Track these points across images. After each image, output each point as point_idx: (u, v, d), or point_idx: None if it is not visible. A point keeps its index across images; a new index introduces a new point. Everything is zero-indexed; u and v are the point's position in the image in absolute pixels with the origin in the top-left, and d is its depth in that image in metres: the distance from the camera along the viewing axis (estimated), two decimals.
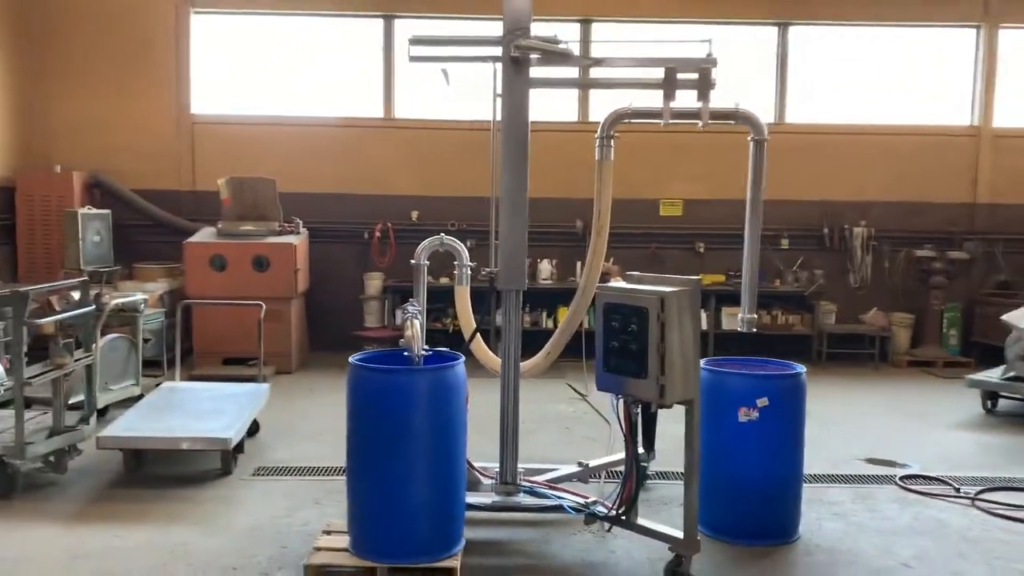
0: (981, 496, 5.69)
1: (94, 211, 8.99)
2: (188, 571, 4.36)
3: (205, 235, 9.50)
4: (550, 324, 10.02)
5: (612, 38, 10.53)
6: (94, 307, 6.09)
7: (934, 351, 10.44)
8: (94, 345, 6.08)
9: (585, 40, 10.60)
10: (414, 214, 10.57)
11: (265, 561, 4.50)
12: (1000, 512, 5.42)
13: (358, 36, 10.76)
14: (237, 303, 7.89)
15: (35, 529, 4.86)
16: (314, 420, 7.43)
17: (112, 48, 10.44)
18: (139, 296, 7.66)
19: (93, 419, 5.97)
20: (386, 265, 10.46)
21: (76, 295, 6.33)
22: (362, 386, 4.27)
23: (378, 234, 10.42)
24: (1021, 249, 10.78)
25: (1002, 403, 8.17)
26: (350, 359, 4.37)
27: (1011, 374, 7.89)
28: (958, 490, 5.81)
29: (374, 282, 10.45)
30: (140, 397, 7.37)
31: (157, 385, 7.64)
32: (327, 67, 10.74)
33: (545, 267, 10.20)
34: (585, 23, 10.66)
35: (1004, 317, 8.18)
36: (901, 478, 6.05)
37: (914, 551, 4.81)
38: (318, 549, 4.39)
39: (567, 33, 10.27)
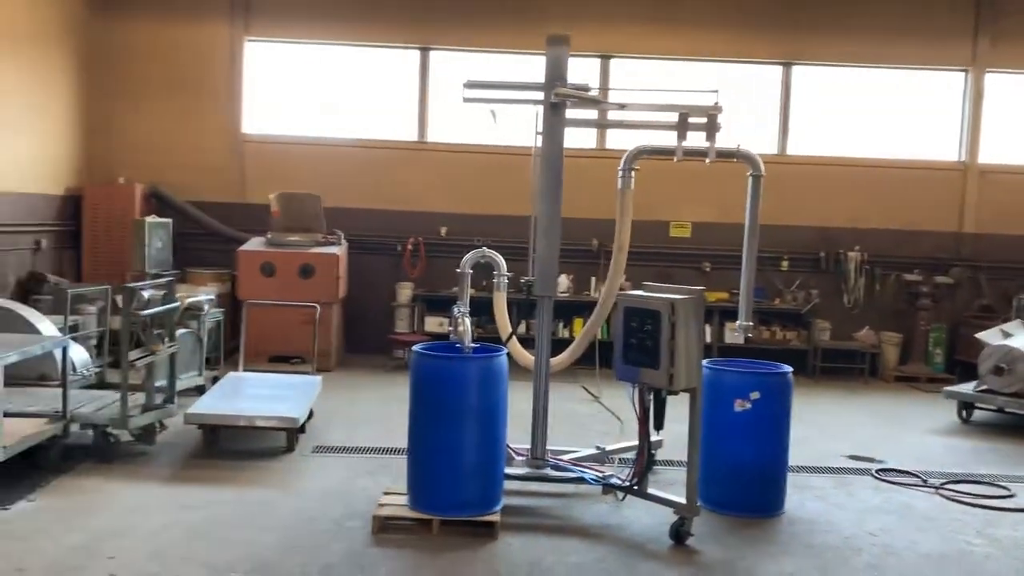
0: (945, 486, 6.56)
1: (158, 220, 9.93)
2: (276, 520, 5.27)
3: (255, 244, 10.45)
4: (566, 334, 10.91)
5: (630, 73, 11.52)
6: (177, 304, 7.02)
7: (920, 368, 11.29)
8: (176, 336, 7.00)
9: (604, 73, 11.59)
10: (443, 230, 11.52)
11: (337, 515, 5.40)
12: (959, 499, 6.29)
13: (397, 65, 11.74)
14: (293, 304, 8.81)
15: (142, 487, 5.79)
16: (359, 410, 8.35)
17: (171, 72, 11.45)
18: (204, 296, 8.58)
19: (176, 400, 6.88)
20: (416, 276, 11.38)
21: (147, 294, 7.26)
22: (424, 370, 5.20)
23: (410, 247, 11.36)
24: (1003, 276, 11.65)
25: (977, 414, 9.01)
26: (413, 348, 5.30)
27: (983, 387, 8.75)
28: (925, 481, 6.68)
29: (405, 291, 11.37)
30: (202, 387, 8.30)
31: (215, 377, 8.59)
32: (368, 93, 11.74)
33: (563, 281, 11.06)
34: (605, 58, 11.62)
35: (978, 335, 9.07)
36: (877, 471, 6.92)
37: (881, 525, 5.69)
38: (382, 505, 5.29)
39: (588, 67, 11.32)
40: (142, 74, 11.46)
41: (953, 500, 6.28)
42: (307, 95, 11.75)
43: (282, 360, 10.02)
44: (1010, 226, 11.68)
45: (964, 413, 8.96)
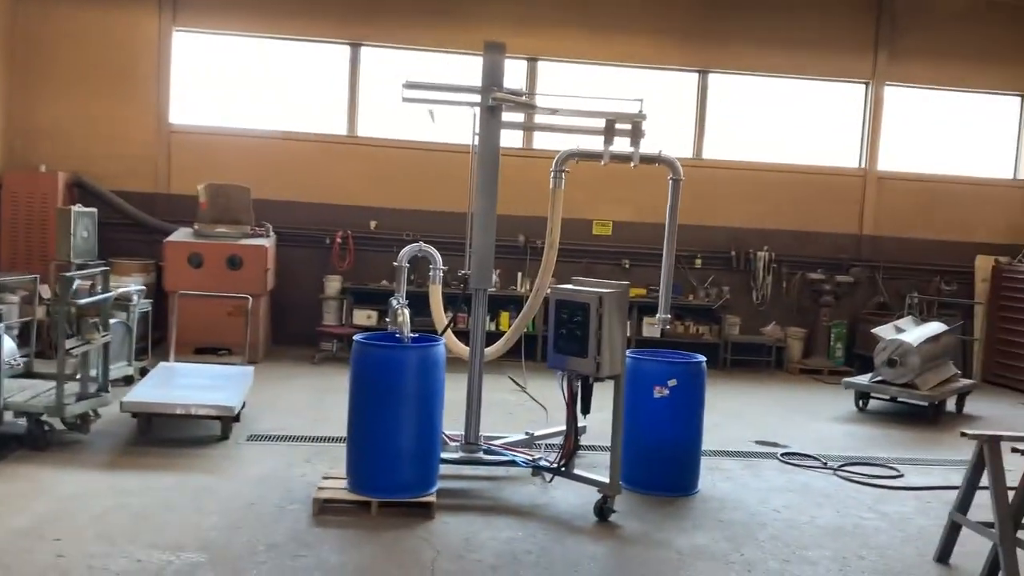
0: (842, 468, 7.16)
1: (84, 209, 9.82)
2: (218, 504, 5.44)
3: (183, 235, 10.42)
4: (493, 327, 11.24)
5: (556, 75, 11.92)
6: (112, 293, 7.05)
7: (822, 361, 12.05)
8: (110, 325, 7.03)
9: (531, 76, 11.96)
10: (372, 224, 11.69)
11: (277, 499, 5.60)
12: (854, 479, 6.89)
13: (327, 60, 11.85)
14: (226, 295, 8.87)
15: (80, 474, 5.86)
16: (289, 400, 8.50)
17: (97, 61, 11.29)
18: (133, 287, 8.57)
19: (109, 388, 6.93)
20: (345, 269, 11.52)
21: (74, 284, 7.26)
22: (365, 359, 5.44)
23: (339, 241, 11.49)
24: (897, 275, 12.53)
25: (872, 403, 9.74)
26: (355, 338, 5.53)
27: (878, 378, 9.47)
28: (825, 464, 7.27)
29: (333, 284, 11.49)
30: (131, 378, 8.32)
31: (142, 368, 8.62)
32: (298, 86, 11.81)
33: None
34: (532, 61, 11.98)
35: (874, 330, 9.80)
36: (781, 455, 7.48)
37: (784, 501, 6.22)
38: (322, 488, 5.52)
39: (516, 69, 11.64)
40: (67, 62, 11.27)
41: (849, 480, 6.87)
42: (236, 87, 11.75)
43: (209, 352, 10.05)
44: (904, 229, 12.57)
45: (861, 402, 9.67)
